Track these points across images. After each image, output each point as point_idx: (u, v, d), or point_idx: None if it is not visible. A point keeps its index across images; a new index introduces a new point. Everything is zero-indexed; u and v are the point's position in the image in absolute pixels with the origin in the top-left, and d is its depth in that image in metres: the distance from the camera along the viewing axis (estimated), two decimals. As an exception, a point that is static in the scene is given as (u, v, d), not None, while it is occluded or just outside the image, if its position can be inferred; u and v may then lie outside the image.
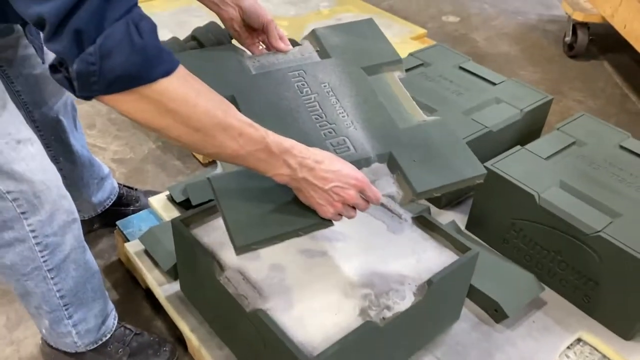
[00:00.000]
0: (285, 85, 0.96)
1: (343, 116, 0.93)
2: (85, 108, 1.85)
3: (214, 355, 1.01)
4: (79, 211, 0.98)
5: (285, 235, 0.83)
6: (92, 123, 1.81)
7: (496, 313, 1.09)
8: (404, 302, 0.91)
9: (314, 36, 1.07)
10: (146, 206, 1.36)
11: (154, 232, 1.18)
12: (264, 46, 1.02)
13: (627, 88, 2.20)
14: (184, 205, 1.29)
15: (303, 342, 0.84)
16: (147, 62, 0.65)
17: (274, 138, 0.76)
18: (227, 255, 0.97)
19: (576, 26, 2.30)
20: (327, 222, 0.83)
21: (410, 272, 0.97)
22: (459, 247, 1.01)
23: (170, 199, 1.30)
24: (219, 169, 0.89)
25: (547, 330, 1.09)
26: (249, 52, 1.01)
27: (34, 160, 0.88)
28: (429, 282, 0.92)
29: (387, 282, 0.94)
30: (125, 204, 1.38)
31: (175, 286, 1.13)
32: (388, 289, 0.93)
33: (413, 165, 0.88)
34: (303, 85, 0.97)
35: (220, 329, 1.03)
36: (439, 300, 0.98)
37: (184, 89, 0.68)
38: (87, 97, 0.66)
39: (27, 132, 0.89)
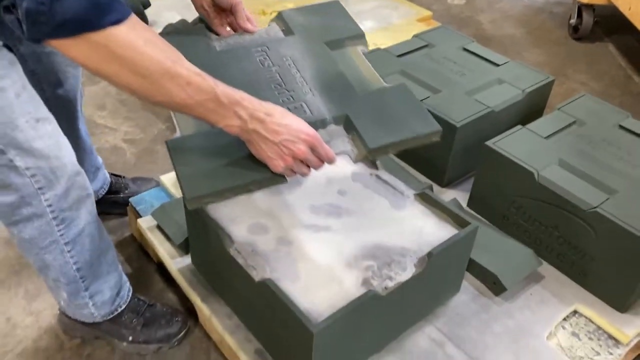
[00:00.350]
0: (247, 60, 0.99)
1: (302, 85, 0.96)
2: (95, 89, 1.90)
3: (224, 324, 1.06)
4: None
5: (237, 189, 0.84)
6: (101, 104, 1.85)
7: (495, 286, 1.13)
8: (405, 273, 0.95)
9: (280, 17, 1.10)
10: (135, 192, 1.40)
11: (166, 208, 1.22)
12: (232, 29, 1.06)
13: (631, 70, 2.21)
14: (194, 183, 1.33)
15: (309, 310, 0.88)
16: (98, 8, 0.66)
17: (223, 89, 0.77)
18: (237, 229, 1.02)
19: (581, 8, 2.31)
20: (279, 178, 0.84)
21: (412, 245, 1.01)
22: (459, 222, 1.05)
23: (181, 177, 1.35)
24: (177, 134, 0.92)
25: (543, 302, 1.13)
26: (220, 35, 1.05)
27: (51, 138, 0.92)
28: (429, 254, 0.96)
29: (389, 255, 0.99)
30: (115, 191, 1.42)
31: (187, 260, 1.18)
32: (390, 260, 0.97)
33: (368, 124, 0.89)
34: (265, 59, 1.00)
35: (229, 299, 1.08)
36: (439, 272, 1.02)
37: (132, 37, 0.70)
38: (37, 40, 0.67)
39: (44, 111, 0.93)
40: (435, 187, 1.38)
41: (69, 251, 1.00)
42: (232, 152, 0.85)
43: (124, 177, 1.47)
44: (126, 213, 1.39)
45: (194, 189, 0.83)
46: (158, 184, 1.42)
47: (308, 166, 0.85)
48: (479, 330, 1.07)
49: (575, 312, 1.13)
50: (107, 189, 1.41)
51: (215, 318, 1.07)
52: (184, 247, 1.18)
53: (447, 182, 1.40)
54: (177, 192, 1.32)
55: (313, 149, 0.83)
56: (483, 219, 1.31)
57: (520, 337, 1.06)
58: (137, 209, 1.31)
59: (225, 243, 0.97)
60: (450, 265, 1.05)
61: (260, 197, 1.09)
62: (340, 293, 0.92)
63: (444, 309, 1.11)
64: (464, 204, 1.34)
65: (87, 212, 1.00)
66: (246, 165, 0.85)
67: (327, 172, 1.15)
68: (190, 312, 1.18)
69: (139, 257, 1.34)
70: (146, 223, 1.25)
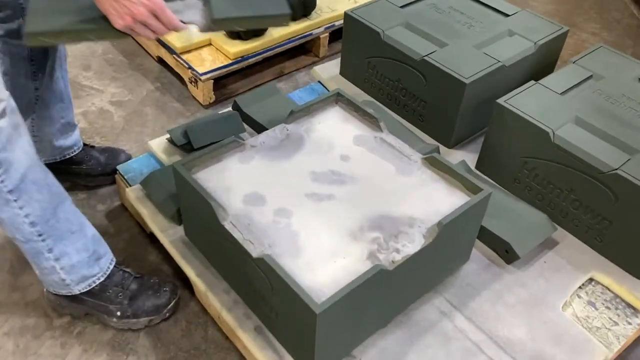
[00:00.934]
0: None
1: None
2: (80, 48, 1.78)
3: (221, 300, 1.00)
4: (38, 152, 0.94)
5: (75, 34, 0.85)
6: (87, 64, 1.75)
7: (507, 254, 1.07)
8: (413, 245, 0.89)
9: None
10: (102, 165, 1.32)
11: (156, 177, 1.15)
12: None
13: (645, 18, 2.10)
14: (185, 148, 1.25)
15: (311, 287, 0.82)
16: None
17: None
18: (232, 200, 0.94)
19: (593, -48, 2.18)
20: (119, 33, 0.85)
21: (420, 215, 0.94)
22: (470, 188, 0.98)
23: (171, 142, 1.26)
24: None
25: (558, 270, 1.07)
26: None
27: None
28: (439, 224, 0.90)
29: (396, 225, 0.92)
30: (77, 162, 1.32)
31: (180, 230, 1.11)
32: (397, 232, 0.91)
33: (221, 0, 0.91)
34: None
35: (226, 274, 1.02)
36: (448, 243, 0.96)
37: None
38: None
39: None
40: (442, 148, 1.30)
41: (15, 200, 0.91)
42: (85, 2, 0.84)
43: (93, 146, 1.37)
44: (92, 186, 1.33)
45: (33, 25, 0.84)
46: (130, 157, 1.34)
47: (153, 31, 0.86)
48: (490, 301, 1.02)
49: (591, 279, 1.07)
50: (77, 151, 1.31)
51: (211, 294, 1.01)
52: (177, 218, 1.11)
53: (454, 143, 1.32)
54: (167, 159, 1.24)
55: (156, 15, 0.84)
56: (492, 181, 1.23)
57: (534, 307, 1.01)
58: (126, 177, 1.23)
59: (219, 216, 0.90)
60: (460, 234, 0.99)
61: (256, 164, 1.01)
62: (345, 268, 0.85)
63: (453, 279, 1.05)
64: (472, 166, 1.27)
65: (24, 153, 0.90)
66: (91, 16, 0.84)
67: (329, 136, 1.07)
68: (187, 284, 1.12)
69: (130, 227, 1.27)
70: (135, 193, 1.17)
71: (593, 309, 1.03)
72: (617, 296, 1.04)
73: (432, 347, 0.94)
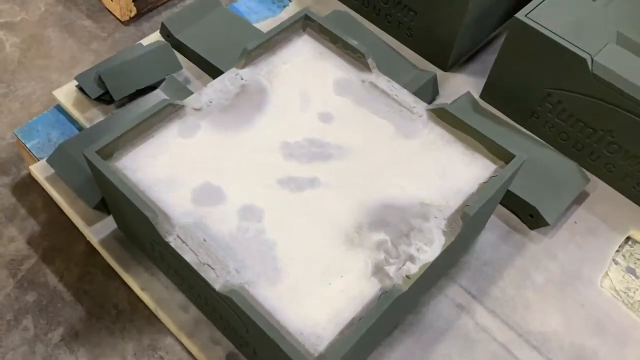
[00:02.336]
0: None
1: None
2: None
3: (177, 322, 0.76)
4: None
5: None
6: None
7: (531, 219, 0.86)
8: (431, 248, 0.66)
9: None
10: None
11: (66, 151, 0.84)
12: None
13: None
14: (104, 99, 0.93)
15: (302, 330, 0.59)
16: None
17: None
18: (177, 198, 0.67)
19: None
20: None
21: (434, 198, 0.70)
22: (496, 152, 0.73)
23: (84, 91, 0.94)
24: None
25: (592, 232, 0.88)
26: None
27: None
28: (464, 215, 0.66)
29: (405, 219, 0.68)
30: None
31: (111, 222, 0.84)
32: (408, 229, 0.67)
33: None
34: None
35: (183, 288, 0.77)
36: (472, 230, 0.73)
37: None
38: None
39: None
40: (438, 72, 1.03)
41: None
42: None
43: None
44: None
45: None
46: None
47: None
48: (515, 283, 0.82)
49: (628, 238, 0.89)
50: None
51: (164, 313, 0.77)
52: (104, 207, 0.84)
53: (452, 63, 1.05)
54: (81, 116, 0.93)
55: None
56: (502, 114, 0.99)
57: (567, 286, 0.82)
58: (28, 146, 0.92)
59: (160, 230, 0.64)
60: (486, 215, 0.76)
61: (204, 138, 0.73)
62: (344, 292, 0.62)
63: (468, 258, 0.84)
64: (476, 95, 1.01)
65: None
66: None
67: (301, 84, 0.79)
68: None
69: (47, 205, 0.98)
70: (44, 172, 0.87)
71: (633, 277, 0.85)
72: (660, 259, 0.87)
73: (452, 356, 0.76)
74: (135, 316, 0.87)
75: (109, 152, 0.69)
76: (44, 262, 0.92)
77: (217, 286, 0.61)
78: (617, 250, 0.87)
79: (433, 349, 0.76)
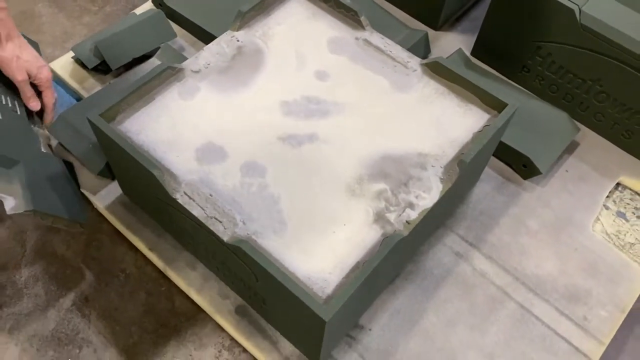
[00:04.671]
0: None
1: None
2: None
3: (187, 278, 0.79)
4: None
5: None
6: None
7: (525, 169, 0.88)
8: (430, 194, 0.68)
9: None
10: None
11: (68, 119, 0.85)
12: None
13: None
14: (100, 69, 0.94)
15: (310, 275, 0.62)
16: None
17: None
18: (182, 158, 0.69)
19: None
20: None
21: (431, 148, 0.72)
22: (489, 102, 0.75)
23: (80, 61, 0.95)
24: None
25: (583, 179, 0.90)
26: None
27: None
28: (460, 163, 0.69)
29: (404, 169, 0.70)
30: None
31: (116, 187, 0.86)
32: (407, 178, 0.69)
33: None
34: None
35: (189, 246, 0.80)
36: (468, 178, 0.76)
37: None
38: None
39: None
40: (430, 32, 1.05)
41: None
42: None
43: None
44: None
45: None
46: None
47: None
48: (511, 230, 0.85)
49: (617, 184, 0.92)
50: None
51: (172, 271, 0.79)
52: (108, 173, 0.85)
53: (442, 22, 1.06)
54: (79, 86, 0.94)
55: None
56: (494, 71, 1.01)
57: (561, 231, 0.85)
58: (28, 118, 0.93)
59: (167, 187, 0.66)
60: (481, 163, 0.79)
61: (204, 99, 0.74)
62: (349, 240, 0.65)
63: (464, 208, 0.87)
64: (468, 52, 1.03)
65: None
66: None
67: (296, 44, 0.80)
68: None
69: (49, 177, 1.00)
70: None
71: (623, 220, 0.88)
72: (648, 202, 0.90)
73: (452, 300, 0.79)
74: (143, 279, 0.89)
75: (112, 115, 0.71)
76: (50, 231, 0.93)
77: (226, 238, 0.63)
78: (608, 196, 0.90)
79: (433, 294, 0.79)
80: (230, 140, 0.71)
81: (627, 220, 0.88)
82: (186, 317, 0.87)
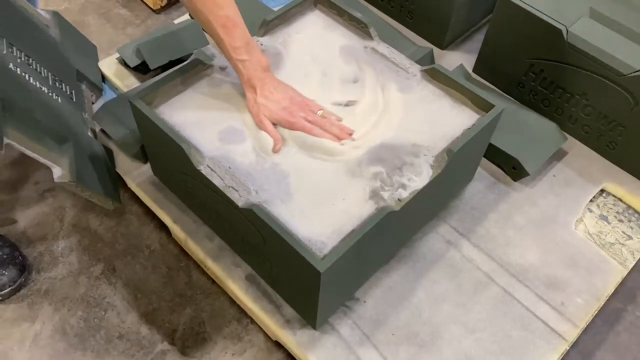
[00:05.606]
0: None
1: None
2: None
3: (205, 248, 0.89)
4: None
5: None
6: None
7: (514, 171, 0.97)
8: (420, 178, 0.77)
9: None
10: None
11: (110, 109, 0.98)
12: None
13: None
14: (140, 69, 1.07)
15: (310, 237, 0.71)
16: None
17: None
18: (206, 137, 0.80)
19: None
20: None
21: (425, 141, 0.82)
22: (479, 104, 0.85)
23: (123, 62, 1.08)
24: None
25: (568, 184, 0.99)
26: None
27: None
28: (449, 152, 0.78)
29: (399, 156, 0.80)
30: None
31: (147, 169, 0.97)
32: (401, 163, 0.79)
33: None
34: None
35: (208, 219, 0.90)
36: (457, 169, 0.85)
37: None
38: None
39: None
40: (436, 50, 1.16)
41: None
42: None
43: None
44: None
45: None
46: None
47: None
48: (498, 223, 0.93)
49: (602, 191, 1.00)
50: None
51: (192, 241, 0.89)
52: (141, 156, 0.97)
53: (448, 43, 1.17)
54: (121, 83, 1.06)
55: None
56: (493, 86, 1.11)
57: (545, 228, 0.93)
58: (75, 108, 1.05)
59: (193, 159, 0.77)
60: (470, 158, 0.88)
61: (228, 92, 0.86)
62: (346, 211, 0.74)
63: (457, 203, 0.96)
64: (470, 69, 1.13)
65: None
66: None
67: (311, 49, 0.91)
68: (162, 223, 1.00)
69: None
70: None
71: (605, 223, 0.96)
72: (629, 207, 0.98)
73: (441, 282, 0.87)
74: (165, 255, 1.00)
75: (149, 100, 0.82)
76: (86, 209, 1.05)
77: (240, 203, 0.73)
78: (592, 201, 0.98)
79: (424, 275, 0.87)
80: (249, 126, 0.82)
81: (608, 223, 0.96)
82: (201, 290, 0.96)
